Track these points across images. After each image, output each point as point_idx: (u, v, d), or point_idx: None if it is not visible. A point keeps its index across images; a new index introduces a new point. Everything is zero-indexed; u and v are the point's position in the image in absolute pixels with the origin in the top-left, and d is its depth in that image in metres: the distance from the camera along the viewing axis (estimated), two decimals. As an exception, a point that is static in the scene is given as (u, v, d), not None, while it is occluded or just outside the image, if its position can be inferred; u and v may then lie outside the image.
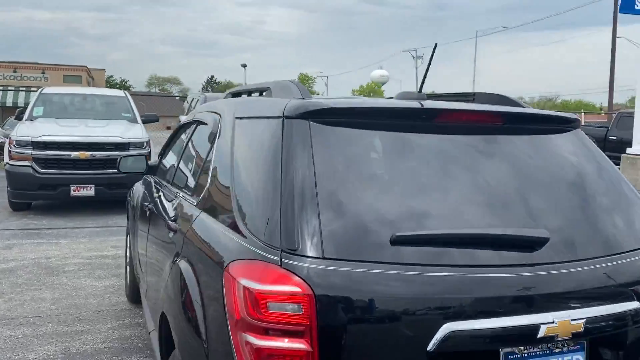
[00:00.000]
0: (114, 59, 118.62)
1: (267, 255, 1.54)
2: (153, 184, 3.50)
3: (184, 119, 9.50)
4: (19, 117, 8.82)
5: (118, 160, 3.81)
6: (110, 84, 69.85)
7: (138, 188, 4.24)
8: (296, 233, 1.53)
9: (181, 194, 2.56)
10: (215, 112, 2.58)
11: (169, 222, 2.41)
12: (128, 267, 4.63)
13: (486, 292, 1.54)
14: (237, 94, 2.94)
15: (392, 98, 2.30)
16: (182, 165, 2.97)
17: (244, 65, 71.48)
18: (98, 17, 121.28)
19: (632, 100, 13.97)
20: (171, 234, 2.35)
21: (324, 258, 1.49)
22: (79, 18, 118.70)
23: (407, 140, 1.79)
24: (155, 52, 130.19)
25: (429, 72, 2.20)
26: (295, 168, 1.62)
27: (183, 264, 2.04)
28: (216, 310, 1.66)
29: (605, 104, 34.99)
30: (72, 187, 7.74)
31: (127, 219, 4.88)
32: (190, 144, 2.98)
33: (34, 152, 7.65)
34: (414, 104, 1.95)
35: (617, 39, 25.98)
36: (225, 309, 1.57)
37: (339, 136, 1.72)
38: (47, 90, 9.53)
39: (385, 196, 1.64)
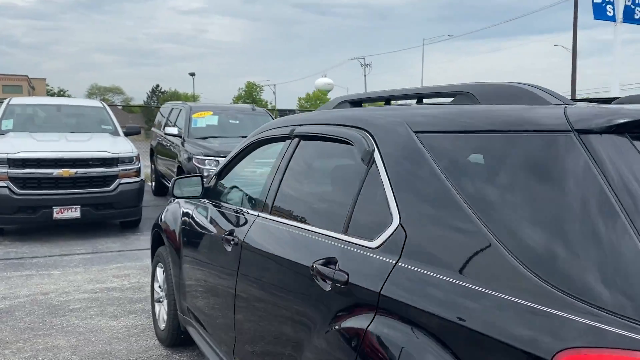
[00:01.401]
0: (50, 68, 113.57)
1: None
2: (228, 212, 2.92)
3: (170, 130, 8.78)
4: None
5: (171, 185, 3.20)
6: (48, 93, 66.73)
7: (179, 213, 3.62)
8: None
9: (318, 230, 2.02)
10: (346, 126, 2.07)
11: (322, 271, 1.86)
12: (162, 305, 3.98)
13: None
14: (356, 103, 2.41)
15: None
16: (290, 191, 2.42)
17: (193, 74, 70.13)
18: (31, 25, 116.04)
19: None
20: (328, 287, 1.81)
21: None
22: (10, 26, 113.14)
23: None
24: (94, 61, 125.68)
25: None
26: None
27: (384, 331, 1.51)
28: None
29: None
30: (55, 209, 6.89)
31: (152, 249, 4.24)
32: (296, 165, 2.44)
33: (10, 170, 6.75)
34: None
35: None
36: None
37: None
38: (15, 100, 8.56)
39: None
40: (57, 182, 6.94)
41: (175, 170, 8.87)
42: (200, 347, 3.20)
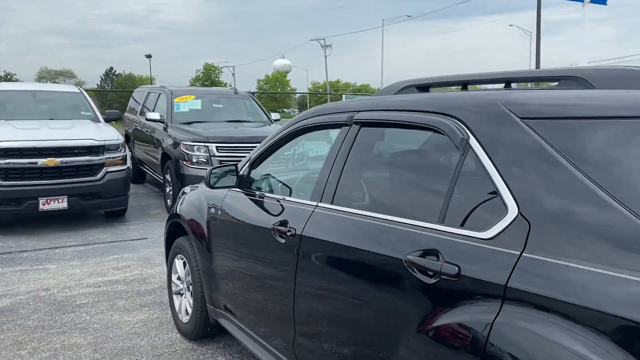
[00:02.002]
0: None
1: None
2: (273, 202, 2.82)
3: (152, 116, 8.52)
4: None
5: (207, 176, 3.07)
6: (-6, 77, 63.61)
7: (204, 203, 3.50)
8: None
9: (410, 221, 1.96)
10: (429, 112, 2.01)
11: (421, 263, 1.81)
12: (182, 298, 3.87)
13: None
14: (423, 87, 2.34)
15: None
16: (356, 180, 2.35)
17: (149, 56, 68.25)
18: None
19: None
20: (431, 280, 1.76)
21: None
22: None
23: None
24: (42, 44, 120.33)
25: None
26: None
27: (516, 324, 1.47)
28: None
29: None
30: (41, 200, 6.59)
31: (168, 240, 4.11)
32: (359, 153, 2.37)
33: (-9, 161, 6.41)
34: None
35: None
36: None
37: None
38: (-14, 87, 8.13)
39: None
40: (42, 172, 6.63)
41: (159, 157, 8.61)
42: (239, 338, 3.12)
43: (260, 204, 2.93)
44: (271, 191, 3.12)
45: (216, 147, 7.62)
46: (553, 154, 1.59)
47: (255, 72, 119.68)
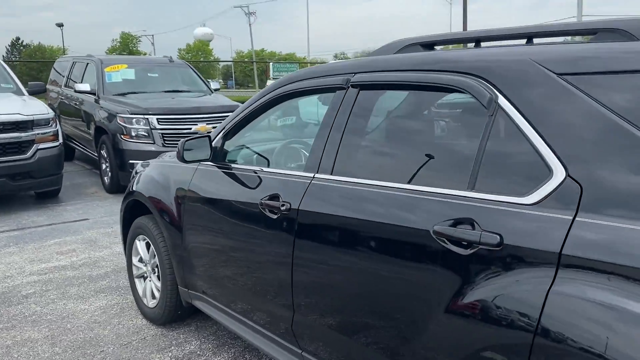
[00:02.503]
0: None
1: None
2: (257, 175, 2.61)
3: (82, 87, 7.93)
4: None
5: (181, 148, 2.80)
6: None
7: (171, 178, 3.23)
8: None
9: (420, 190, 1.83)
10: (445, 71, 1.87)
11: (454, 234, 1.69)
12: (147, 282, 3.61)
13: None
14: (428, 46, 2.19)
15: None
16: (360, 148, 2.18)
17: (60, 25, 63.91)
18: None
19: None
20: (467, 251, 1.65)
21: None
22: None
23: None
24: None
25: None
26: None
27: (577, 292, 1.38)
28: None
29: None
30: (-35, 183, 5.97)
31: (125, 220, 3.80)
32: (361, 119, 2.21)
33: None
34: None
35: None
36: None
37: None
38: None
39: None
40: (-36, 152, 5.99)
41: (92, 132, 8.04)
42: (222, 321, 2.93)
43: (241, 178, 2.71)
44: (250, 164, 2.90)
45: (157, 119, 7.18)
46: (600, 111, 1.50)
47: (176, 41, 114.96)
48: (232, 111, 7.78)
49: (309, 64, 46.34)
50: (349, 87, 2.27)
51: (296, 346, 2.42)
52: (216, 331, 3.50)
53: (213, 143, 2.93)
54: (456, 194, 1.75)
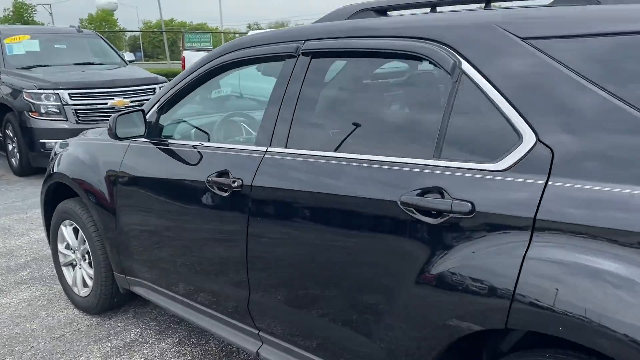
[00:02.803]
0: None
1: None
2: (200, 151, 2.45)
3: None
4: None
5: (113, 124, 2.58)
6: None
7: (99, 157, 2.99)
8: None
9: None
10: (408, 38, 1.81)
11: (423, 204, 1.65)
12: (77, 270, 3.36)
13: None
14: (382, 11, 2.11)
15: None
16: (315, 119, 2.09)
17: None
18: None
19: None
20: (437, 220, 1.62)
21: None
22: None
23: None
24: None
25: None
26: None
27: (553, 256, 1.39)
28: None
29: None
30: None
31: (46, 205, 3.51)
32: (315, 88, 2.11)
33: None
34: None
35: None
36: None
37: None
38: None
39: None
40: None
41: (-7, 108, 7.36)
42: (165, 305, 2.79)
43: (181, 154, 2.55)
44: (189, 139, 2.74)
45: (69, 94, 6.67)
46: (567, 74, 1.50)
47: (77, 11, 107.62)
48: (150, 84, 7.42)
49: (222, 35, 45.05)
50: (299, 55, 2.16)
51: (252, 326, 2.34)
52: (157, 316, 3.34)
53: (147, 118, 2.73)
54: (423, 163, 1.71)
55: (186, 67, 13.22)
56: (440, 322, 1.62)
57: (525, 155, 1.52)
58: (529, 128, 1.52)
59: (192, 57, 12.78)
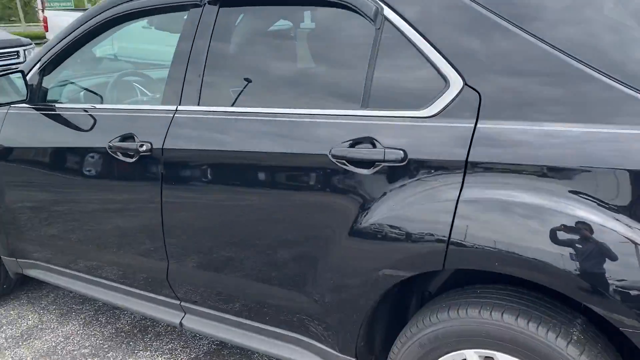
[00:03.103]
0: None
1: None
2: (95, 114, 2.23)
3: None
4: None
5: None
6: None
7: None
8: None
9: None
10: None
11: (353, 155, 1.62)
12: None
13: None
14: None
15: None
16: (228, 74, 1.96)
17: None
18: None
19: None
20: (369, 170, 1.61)
21: None
22: None
23: None
24: None
25: None
26: None
27: (486, 196, 1.43)
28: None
29: None
30: None
31: None
32: (226, 40, 1.98)
33: None
34: None
35: None
36: None
37: None
38: None
39: None
40: None
41: None
42: (68, 286, 2.57)
43: (73, 119, 2.30)
44: (79, 102, 2.48)
45: None
46: (489, 17, 1.52)
47: None
48: (13, 46, 6.64)
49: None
50: (205, 4, 2.01)
51: (173, 297, 2.22)
52: (55, 299, 3.08)
53: (29, 80, 2.42)
54: (351, 113, 1.68)
55: (49, 29, 12.01)
56: (378, 271, 1.63)
57: (453, 100, 1.54)
58: (456, 73, 1.54)
59: (56, 18, 11.65)
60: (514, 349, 1.46)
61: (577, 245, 1.34)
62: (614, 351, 1.47)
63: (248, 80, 1.99)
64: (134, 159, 2.07)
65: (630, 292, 1.30)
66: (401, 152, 1.56)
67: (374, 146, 1.61)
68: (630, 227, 1.30)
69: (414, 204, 1.55)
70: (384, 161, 1.58)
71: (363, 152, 1.61)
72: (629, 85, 1.35)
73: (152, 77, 2.83)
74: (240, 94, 1.98)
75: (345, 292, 1.72)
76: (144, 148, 2.03)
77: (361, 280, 1.67)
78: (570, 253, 1.34)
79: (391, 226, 1.58)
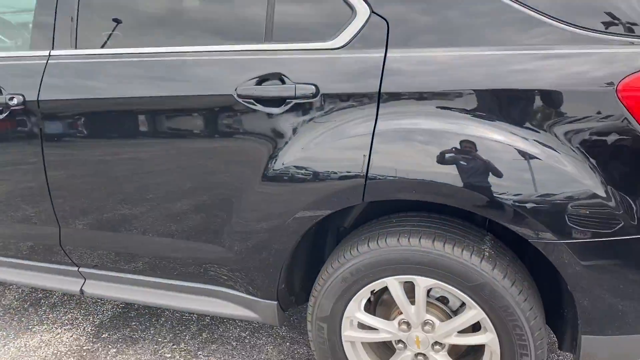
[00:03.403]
0: None
1: None
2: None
3: None
4: None
5: None
6: None
7: None
8: None
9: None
10: None
11: (262, 93, 1.52)
12: None
13: None
14: None
15: None
16: (105, 13, 1.73)
17: None
18: None
19: None
20: (280, 109, 1.53)
21: None
22: None
23: None
24: None
25: None
26: None
27: (401, 125, 1.41)
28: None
29: None
30: None
31: None
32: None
33: None
34: None
35: None
36: None
37: None
38: None
39: None
40: None
41: None
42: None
43: None
44: None
45: None
46: None
47: None
48: None
49: None
50: None
51: (70, 264, 2.04)
52: None
53: None
54: (254, 48, 1.57)
55: None
56: (297, 213, 1.59)
57: (361, 29, 1.49)
58: (362, 0, 1.49)
59: None
60: (432, 271, 1.51)
61: (470, 162, 1.38)
62: (519, 262, 1.57)
63: (136, 17, 1.79)
64: (4, 115, 1.81)
65: (526, 204, 1.36)
66: (312, 87, 1.50)
67: (283, 82, 1.53)
68: (524, 140, 1.36)
69: (329, 141, 1.51)
70: (295, 98, 1.51)
71: (271, 89, 1.53)
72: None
73: (5, 19, 2.46)
74: (127, 33, 1.78)
75: (264, 238, 1.67)
76: (15, 101, 1.78)
77: (280, 223, 1.62)
78: (465, 170, 1.38)
79: (307, 166, 1.53)
